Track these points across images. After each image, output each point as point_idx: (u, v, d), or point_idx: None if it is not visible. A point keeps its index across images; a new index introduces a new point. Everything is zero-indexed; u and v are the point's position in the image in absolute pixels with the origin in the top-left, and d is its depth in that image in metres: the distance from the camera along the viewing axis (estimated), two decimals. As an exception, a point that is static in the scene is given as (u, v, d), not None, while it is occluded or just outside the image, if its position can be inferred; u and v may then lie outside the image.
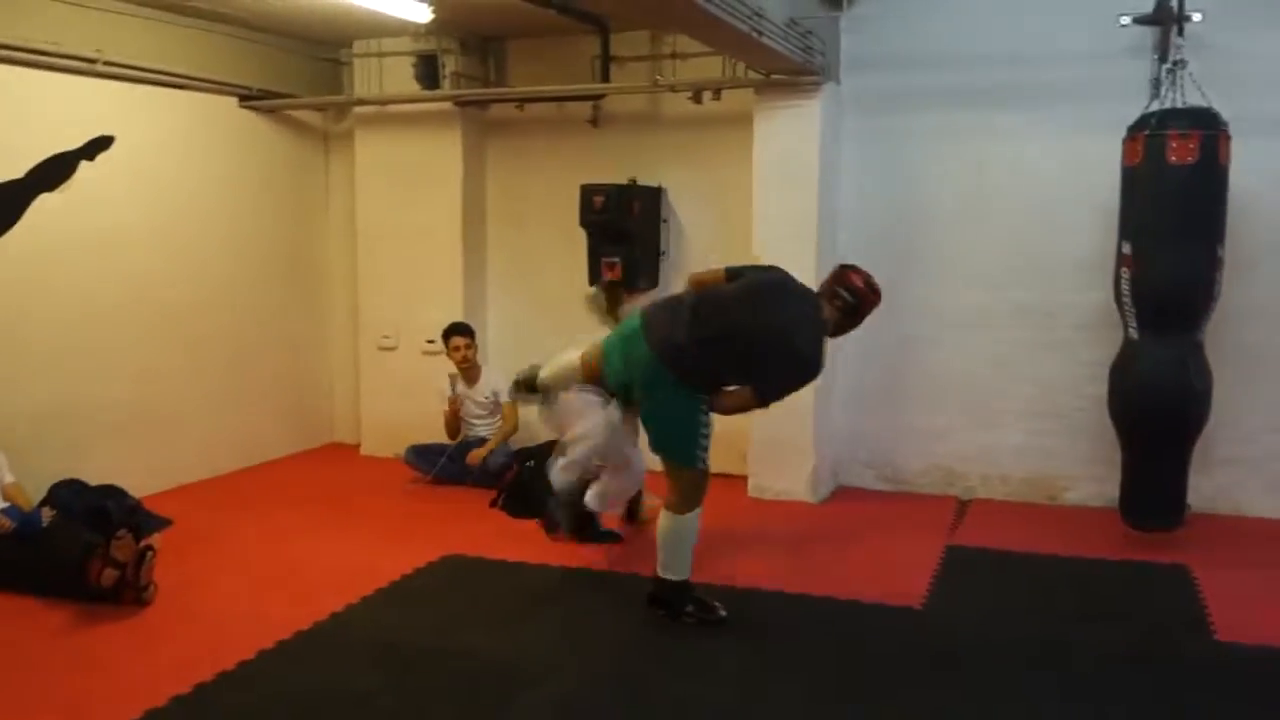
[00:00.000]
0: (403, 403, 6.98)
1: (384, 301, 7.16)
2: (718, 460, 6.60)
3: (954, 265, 6.11)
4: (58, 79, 5.51)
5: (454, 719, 3.46)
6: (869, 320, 4.40)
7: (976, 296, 6.08)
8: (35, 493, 5.08)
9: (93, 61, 5.60)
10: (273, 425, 7.11)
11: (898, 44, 6.06)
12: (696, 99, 6.27)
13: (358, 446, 7.37)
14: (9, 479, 4.93)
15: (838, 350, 6.21)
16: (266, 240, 7.01)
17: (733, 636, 4.13)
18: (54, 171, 5.50)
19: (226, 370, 6.68)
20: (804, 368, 4.15)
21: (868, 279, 4.29)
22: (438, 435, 6.56)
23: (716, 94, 6.21)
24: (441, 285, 7.01)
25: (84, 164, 5.64)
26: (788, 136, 5.90)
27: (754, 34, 4.69)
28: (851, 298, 4.24)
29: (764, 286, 4.22)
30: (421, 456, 6.55)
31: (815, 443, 6.06)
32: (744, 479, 6.26)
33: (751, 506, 6.06)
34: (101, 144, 5.71)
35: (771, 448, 6.12)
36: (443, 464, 6.45)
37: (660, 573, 4.24)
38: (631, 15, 6.09)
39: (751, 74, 5.95)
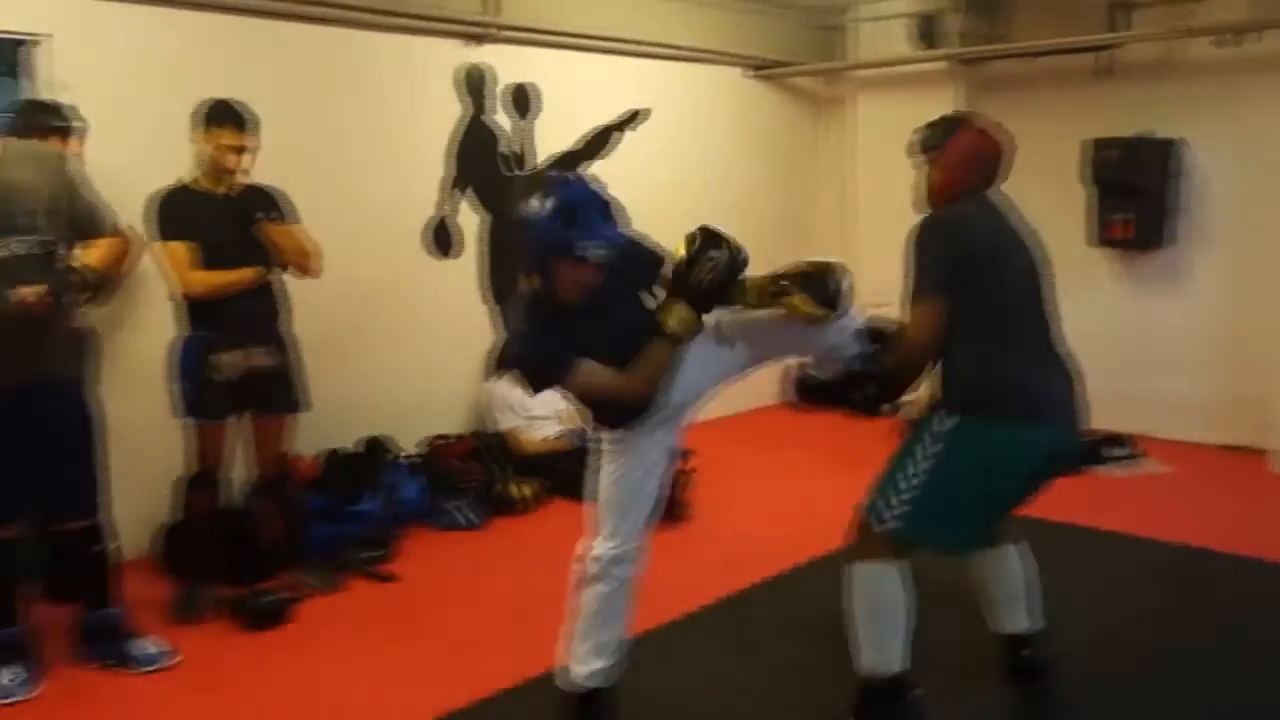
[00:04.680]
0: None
1: (876, 260, 7.33)
2: (1230, 432, 6.27)
3: None
4: (600, 60, 6.29)
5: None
6: None
7: None
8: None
9: (627, 42, 6.32)
10: (768, 373, 7.59)
11: None
12: (1228, 42, 5.83)
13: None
14: (564, 406, 5.79)
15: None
16: (763, 203, 7.48)
17: (1260, 611, 3.91)
18: (599, 142, 6.33)
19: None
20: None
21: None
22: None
23: (1258, 35, 5.74)
24: (932, 243, 7.09)
25: (624, 135, 6.43)
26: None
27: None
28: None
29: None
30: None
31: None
32: (1262, 453, 5.83)
33: (1274, 483, 5.61)
34: (638, 116, 6.48)
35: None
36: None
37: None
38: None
39: (1297, 10, 5.46)
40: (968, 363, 2.90)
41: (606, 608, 2.96)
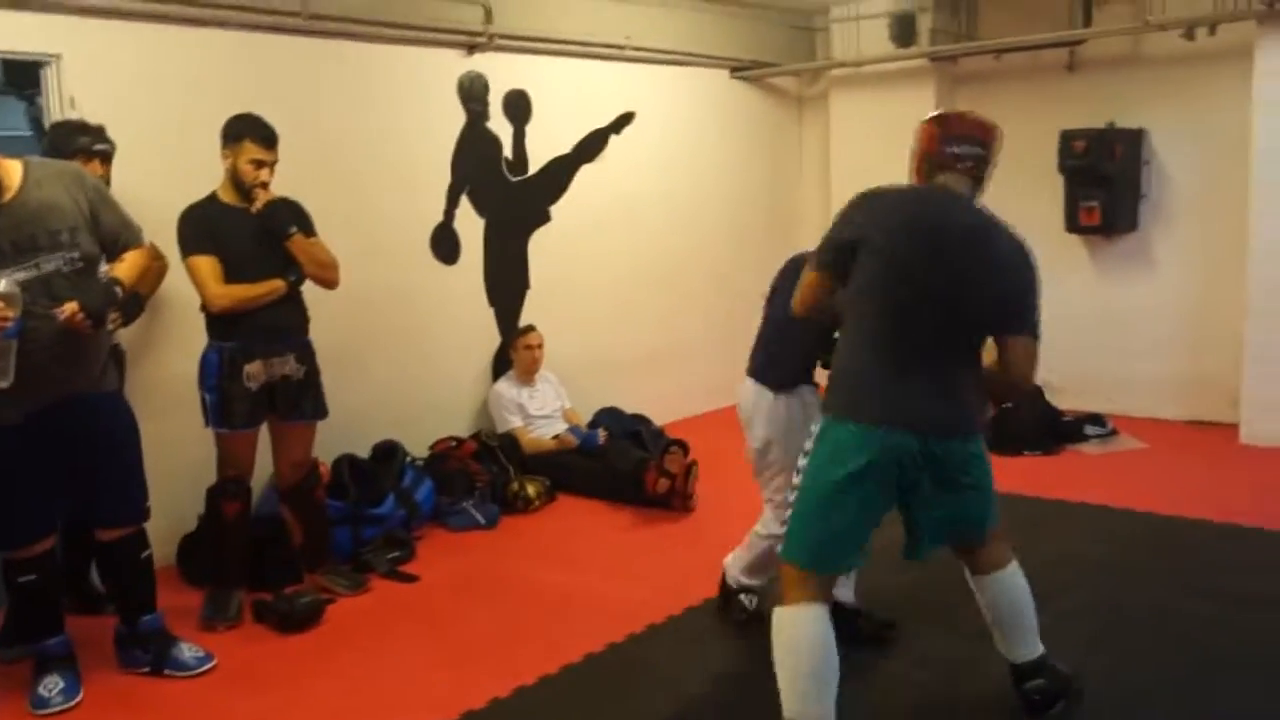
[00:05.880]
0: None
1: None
2: (1199, 407, 6.51)
3: None
4: (589, 65, 6.42)
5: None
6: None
7: None
8: (584, 416, 6.07)
9: (621, 48, 6.46)
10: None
11: None
12: (1189, 36, 6.07)
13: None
14: (568, 404, 5.94)
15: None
16: (750, 201, 7.66)
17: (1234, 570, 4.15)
18: (591, 145, 6.47)
19: (721, 315, 7.30)
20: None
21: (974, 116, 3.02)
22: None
23: (1212, 29, 5.98)
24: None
25: (612, 137, 6.57)
26: (1298, 69, 5.60)
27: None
28: (980, 149, 2.91)
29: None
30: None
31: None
32: (1234, 427, 6.10)
33: (1243, 454, 5.88)
34: (626, 119, 6.63)
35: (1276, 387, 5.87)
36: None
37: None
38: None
39: (1255, 4, 5.69)
40: (838, 357, 2.87)
41: None
